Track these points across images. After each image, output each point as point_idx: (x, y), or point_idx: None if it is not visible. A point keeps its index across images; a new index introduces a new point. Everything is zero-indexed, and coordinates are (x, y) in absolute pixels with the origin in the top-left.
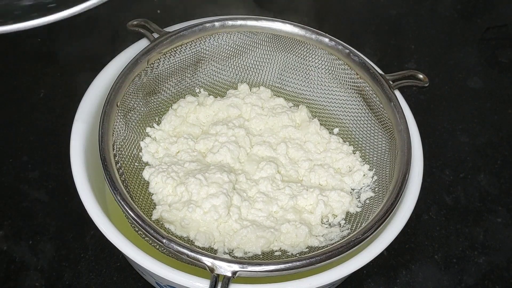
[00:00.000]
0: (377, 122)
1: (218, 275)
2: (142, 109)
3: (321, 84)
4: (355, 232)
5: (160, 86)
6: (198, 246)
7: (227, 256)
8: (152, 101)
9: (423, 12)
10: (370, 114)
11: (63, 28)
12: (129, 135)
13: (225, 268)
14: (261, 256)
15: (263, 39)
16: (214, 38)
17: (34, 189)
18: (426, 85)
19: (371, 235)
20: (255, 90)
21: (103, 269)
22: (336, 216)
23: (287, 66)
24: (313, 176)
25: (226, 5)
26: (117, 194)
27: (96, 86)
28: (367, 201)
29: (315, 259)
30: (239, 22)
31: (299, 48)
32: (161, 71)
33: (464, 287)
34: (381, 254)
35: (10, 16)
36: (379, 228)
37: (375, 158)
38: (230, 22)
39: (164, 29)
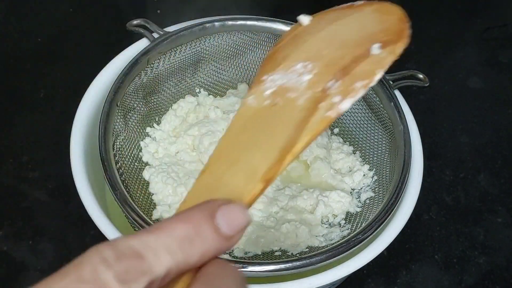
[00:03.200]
0: (377, 122)
1: None
2: (142, 109)
3: None
4: (355, 232)
5: (160, 86)
6: None
7: (227, 256)
8: (152, 101)
9: (423, 12)
10: (370, 114)
11: (63, 28)
12: (129, 135)
13: None
14: (261, 256)
15: (263, 39)
16: (214, 38)
17: (34, 189)
18: (426, 85)
19: (371, 235)
20: None
21: None
22: (336, 216)
23: None
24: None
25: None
26: (117, 194)
27: (96, 86)
28: (367, 201)
29: (315, 259)
30: (239, 22)
31: None
32: (161, 71)
33: (464, 287)
34: (381, 254)
35: None
36: (379, 228)
37: (375, 158)
38: (230, 22)
39: (164, 29)
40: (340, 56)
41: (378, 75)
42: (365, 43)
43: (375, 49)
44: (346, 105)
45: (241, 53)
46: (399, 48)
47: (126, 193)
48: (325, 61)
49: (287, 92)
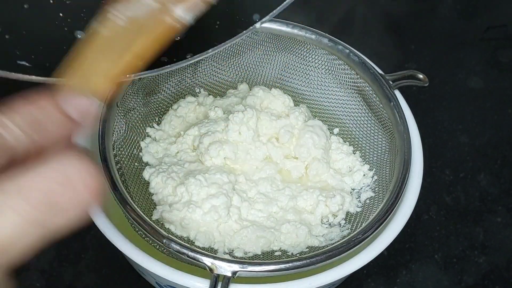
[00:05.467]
0: (377, 122)
1: (218, 275)
2: (142, 109)
3: (321, 84)
4: (355, 232)
5: (160, 86)
6: (198, 246)
7: (227, 256)
8: (152, 101)
9: (423, 12)
10: (370, 114)
11: None
12: (129, 135)
13: (225, 268)
14: (261, 256)
15: (263, 39)
16: None
17: None
18: (426, 85)
19: (371, 235)
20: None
21: (103, 269)
22: (336, 216)
23: (287, 66)
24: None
25: None
26: (117, 194)
27: None
28: (367, 201)
29: (315, 259)
30: None
31: (299, 48)
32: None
33: (464, 287)
34: (381, 254)
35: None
36: (379, 228)
37: (375, 158)
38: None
39: None
40: None
41: None
42: None
43: None
44: (179, 11)
45: (241, 53)
46: None
47: (126, 193)
48: None
49: (134, 18)
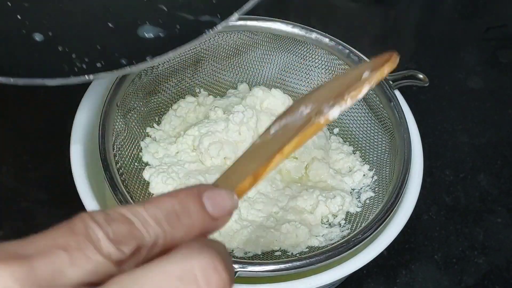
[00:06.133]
0: (377, 122)
1: None
2: (142, 109)
3: (321, 84)
4: (355, 232)
5: (160, 86)
6: None
7: None
8: (152, 101)
9: (423, 12)
10: (370, 114)
11: None
12: (129, 135)
13: None
14: (261, 256)
15: (263, 39)
16: (214, 38)
17: (34, 189)
18: (426, 85)
19: (371, 235)
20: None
21: None
22: (336, 216)
23: (287, 66)
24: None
25: None
26: (117, 194)
27: (96, 86)
28: (367, 201)
29: (315, 259)
30: (239, 22)
31: (299, 48)
32: (161, 71)
33: (464, 287)
34: (381, 254)
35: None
36: (379, 228)
37: (375, 158)
38: (230, 22)
39: None
40: (337, 89)
41: (365, 88)
42: (358, 76)
43: (365, 74)
44: (334, 112)
45: (241, 53)
46: (386, 68)
47: (126, 193)
48: (323, 98)
49: (288, 124)
